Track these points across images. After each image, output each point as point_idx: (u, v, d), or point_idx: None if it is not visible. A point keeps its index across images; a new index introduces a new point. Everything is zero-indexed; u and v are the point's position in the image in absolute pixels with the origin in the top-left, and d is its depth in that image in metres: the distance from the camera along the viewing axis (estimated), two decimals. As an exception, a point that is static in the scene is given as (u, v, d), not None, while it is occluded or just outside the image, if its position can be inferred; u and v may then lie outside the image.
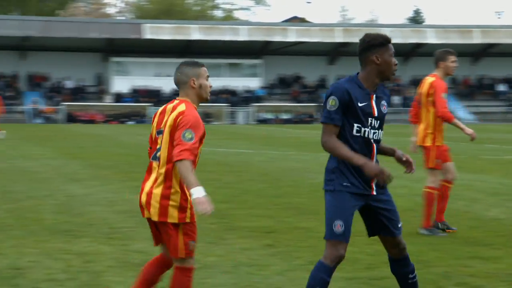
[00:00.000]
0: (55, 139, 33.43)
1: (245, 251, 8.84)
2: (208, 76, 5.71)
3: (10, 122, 56.69)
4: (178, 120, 5.42)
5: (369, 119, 5.70)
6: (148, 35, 66.20)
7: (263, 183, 15.96)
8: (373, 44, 5.74)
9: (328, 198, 5.70)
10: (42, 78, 65.63)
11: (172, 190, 5.45)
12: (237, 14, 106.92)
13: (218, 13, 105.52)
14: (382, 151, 5.89)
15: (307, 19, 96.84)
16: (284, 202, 12.96)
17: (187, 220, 5.48)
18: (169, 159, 5.43)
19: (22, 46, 64.73)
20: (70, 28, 63.91)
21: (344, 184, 5.64)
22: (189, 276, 5.57)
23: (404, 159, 5.84)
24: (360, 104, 5.67)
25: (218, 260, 8.34)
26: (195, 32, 68.15)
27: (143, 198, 5.54)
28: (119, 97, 65.63)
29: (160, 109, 5.64)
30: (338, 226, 5.62)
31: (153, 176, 5.54)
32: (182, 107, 5.49)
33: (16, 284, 7.26)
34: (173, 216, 5.45)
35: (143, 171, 5.89)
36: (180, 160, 5.26)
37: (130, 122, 61.11)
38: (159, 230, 5.58)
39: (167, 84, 64.65)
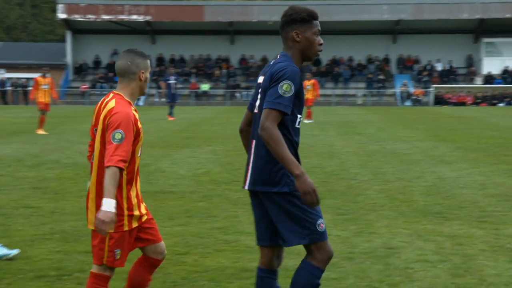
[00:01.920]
0: (424, 121, 33.62)
1: None
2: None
3: (380, 105, 58.25)
4: (106, 121, 4.95)
5: (303, 106, 4.98)
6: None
7: None
8: (294, 19, 4.97)
9: (284, 199, 4.87)
10: (412, 61, 66.35)
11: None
12: None
13: None
14: None
15: None
16: None
17: (125, 228, 5.02)
18: (101, 162, 4.97)
19: (394, 30, 65.93)
20: (442, 9, 63.62)
21: (293, 181, 4.86)
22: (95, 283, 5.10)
23: None
24: (303, 91, 4.91)
25: None
26: None
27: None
28: (489, 79, 64.10)
29: (98, 103, 5.17)
30: (322, 225, 4.96)
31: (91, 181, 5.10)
32: (111, 104, 4.99)
33: (389, 263, 7.45)
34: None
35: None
36: (108, 166, 4.78)
37: (500, 104, 59.42)
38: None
39: None
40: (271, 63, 4.98)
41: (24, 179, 13.35)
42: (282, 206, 4.87)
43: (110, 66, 63.78)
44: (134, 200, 5.08)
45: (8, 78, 63.08)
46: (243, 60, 66.47)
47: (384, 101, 61.60)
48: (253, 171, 4.95)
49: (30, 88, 60.67)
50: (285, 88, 4.72)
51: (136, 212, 5.10)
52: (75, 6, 64.03)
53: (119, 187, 4.94)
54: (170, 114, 35.08)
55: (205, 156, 17.51)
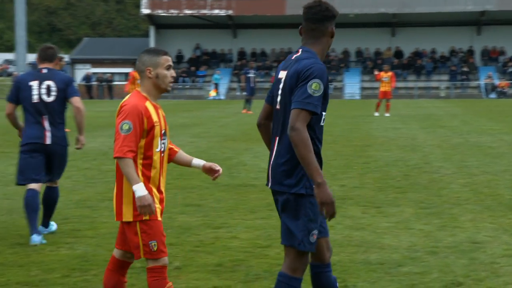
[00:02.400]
0: (509, 114, 32.88)
1: None
2: (170, 66, 5.17)
3: (464, 98, 57.23)
4: (118, 114, 5.04)
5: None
6: None
7: None
8: (334, 15, 4.86)
9: (298, 202, 4.76)
10: (497, 52, 64.91)
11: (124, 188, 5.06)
12: None
13: None
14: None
15: None
16: None
17: (145, 217, 4.98)
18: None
19: (478, 21, 64.63)
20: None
21: (311, 185, 4.72)
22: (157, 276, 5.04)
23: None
24: (329, 89, 4.72)
25: None
26: None
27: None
28: None
29: None
30: (314, 236, 4.81)
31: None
32: (126, 98, 5.12)
33: (474, 258, 7.32)
34: (127, 215, 5.03)
35: None
36: (118, 157, 4.88)
37: None
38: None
39: None
40: (293, 58, 4.91)
41: (109, 172, 13.61)
42: (292, 206, 4.78)
43: (192, 61, 64.41)
44: (156, 195, 5.08)
45: (94, 73, 64.40)
46: (324, 53, 66.13)
47: (468, 93, 60.45)
48: (273, 170, 4.91)
49: (115, 83, 61.96)
50: (314, 87, 4.61)
51: (158, 205, 5.10)
52: (158, 1, 64.84)
53: (138, 172, 5.00)
54: (247, 108, 35.23)
55: (286, 150, 17.48)
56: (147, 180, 5.04)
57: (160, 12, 64.42)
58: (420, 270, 6.89)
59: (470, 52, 64.96)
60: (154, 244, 5.00)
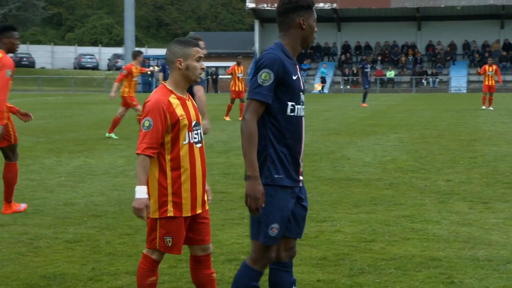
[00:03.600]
0: None
1: None
2: (200, 57, 5.08)
3: None
4: (142, 111, 5.10)
5: (300, 94, 4.76)
6: None
7: None
8: (301, 5, 4.75)
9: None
10: None
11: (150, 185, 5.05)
12: None
13: None
14: None
15: None
16: None
17: (169, 214, 4.99)
18: None
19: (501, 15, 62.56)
20: None
21: (276, 176, 4.66)
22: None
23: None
24: (293, 78, 4.57)
25: None
26: None
27: None
28: None
29: None
30: (274, 230, 4.70)
31: None
32: (151, 94, 5.08)
33: None
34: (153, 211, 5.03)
35: None
36: (137, 154, 4.92)
37: None
38: None
39: None
40: None
41: (214, 165, 13.79)
42: None
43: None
44: (186, 189, 5.04)
45: (199, 67, 65.24)
46: (430, 47, 65.11)
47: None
48: None
49: (221, 77, 62.69)
50: (264, 77, 4.61)
51: (186, 201, 5.05)
52: (263, -5, 65.25)
53: (163, 172, 5.00)
54: (364, 101, 35.49)
55: (391, 144, 17.34)
56: (176, 174, 5.02)
57: (265, 6, 64.76)
58: (530, 268, 6.71)
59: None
60: (169, 240, 5.07)
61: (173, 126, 4.99)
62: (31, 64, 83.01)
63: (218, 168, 13.40)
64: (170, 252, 5.11)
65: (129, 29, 59.24)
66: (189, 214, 5.06)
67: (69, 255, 7.30)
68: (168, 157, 5.02)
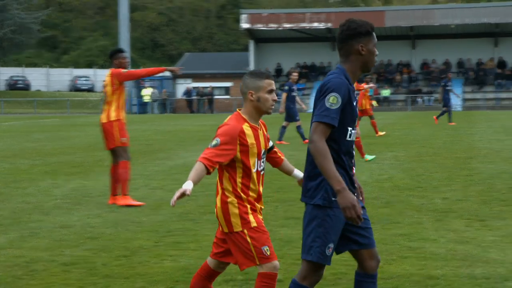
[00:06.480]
0: None
1: None
2: (272, 90, 5.33)
3: None
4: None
5: (356, 120, 4.96)
6: None
7: None
8: (360, 32, 4.93)
9: (316, 213, 4.90)
10: None
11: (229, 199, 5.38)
12: None
13: None
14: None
15: None
16: None
17: (253, 225, 5.29)
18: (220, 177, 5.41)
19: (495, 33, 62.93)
20: None
21: (334, 199, 4.84)
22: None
23: None
24: (354, 104, 4.75)
25: None
26: None
27: None
28: None
29: None
30: (330, 249, 4.91)
31: None
32: (227, 119, 5.38)
33: None
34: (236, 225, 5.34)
35: None
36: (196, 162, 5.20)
37: None
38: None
39: None
40: None
41: (210, 185, 13.75)
42: (310, 218, 4.93)
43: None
44: (253, 203, 5.35)
45: (194, 87, 65.42)
46: (424, 65, 65.29)
47: None
48: (302, 184, 5.09)
49: (215, 97, 62.71)
50: (332, 100, 4.75)
51: (258, 208, 5.38)
52: (258, 15, 65.47)
53: (236, 191, 5.29)
54: (448, 119, 33.83)
55: (387, 162, 17.36)
56: (247, 194, 5.30)
57: (260, 27, 64.93)
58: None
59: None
60: (266, 249, 5.23)
61: (243, 152, 5.25)
62: (27, 87, 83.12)
63: (214, 188, 13.31)
64: (268, 261, 5.23)
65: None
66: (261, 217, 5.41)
67: (65, 278, 7.28)
68: (239, 180, 5.30)
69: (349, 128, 4.89)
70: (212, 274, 5.61)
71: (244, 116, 5.34)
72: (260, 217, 5.37)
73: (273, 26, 64.71)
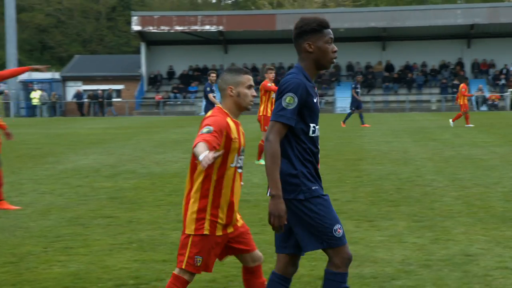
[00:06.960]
0: (501, 126, 32.99)
1: None
2: (251, 86, 5.36)
3: (455, 111, 57.30)
4: (201, 126, 5.19)
5: (318, 115, 5.12)
6: None
7: None
8: (305, 30, 5.03)
9: (308, 206, 4.97)
10: (487, 65, 65.13)
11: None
12: None
13: None
14: None
15: None
16: None
17: (205, 232, 5.22)
18: (191, 174, 5.26)
19: (468, 34, 64.90)
20: (516, 13, 62.38)
21: (314, 188, 4.99)
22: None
23: None
24: (314, 100, 4.96)
25: None
26: None
27: None
28: None
29: None
30: (339, 230, 5.01)
31: None
32: (209, 113, 5.29)
33: (468, 271, 7.32)
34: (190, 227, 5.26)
35: None
36: (195, 145, 4.83)
37: None
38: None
39: None
40: None
41: (101, 189, 13.58)
42: (299, 213, 4.96)
43: (184, 77, 64.45)
44: (223, 208, 5.26)
45: (85, 90, 64.38)
46: (315, 68, 66.24)
47: (459, 106, 60.62)
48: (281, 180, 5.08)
49: (107, 100, 61.84)
50: (288, 100, 4.85)
51: (221, 221, 5.26)
52: (149, 18, 64.97)
53: (207, 191, 5.17)
54: (361, 121, 34.61)
55: (278, 165, 17.48)
56: (218, 195, 5.22)
57: (151, 29, 64.45)
58: (414, 283, 6.89)
59: (460, 65, 65.21)
60: (199, 260, 5.20)
61: (226, 146, 5.14)
62: None
63: (105, 192, 13.20)
64: (197, 271, 5.22)
65: (11, 53, 57.90)
66: (221, 234, 5.26)
67: (-51, 287, 7.02)
68: (214, 177, 5.15)
69: (312, 125, 4.97)
70: (250, 270, 5.56)
71: (226, 111, 5.32)
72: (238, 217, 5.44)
73: (164, 28, 64.36)
